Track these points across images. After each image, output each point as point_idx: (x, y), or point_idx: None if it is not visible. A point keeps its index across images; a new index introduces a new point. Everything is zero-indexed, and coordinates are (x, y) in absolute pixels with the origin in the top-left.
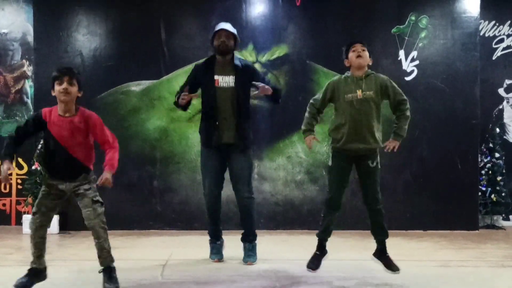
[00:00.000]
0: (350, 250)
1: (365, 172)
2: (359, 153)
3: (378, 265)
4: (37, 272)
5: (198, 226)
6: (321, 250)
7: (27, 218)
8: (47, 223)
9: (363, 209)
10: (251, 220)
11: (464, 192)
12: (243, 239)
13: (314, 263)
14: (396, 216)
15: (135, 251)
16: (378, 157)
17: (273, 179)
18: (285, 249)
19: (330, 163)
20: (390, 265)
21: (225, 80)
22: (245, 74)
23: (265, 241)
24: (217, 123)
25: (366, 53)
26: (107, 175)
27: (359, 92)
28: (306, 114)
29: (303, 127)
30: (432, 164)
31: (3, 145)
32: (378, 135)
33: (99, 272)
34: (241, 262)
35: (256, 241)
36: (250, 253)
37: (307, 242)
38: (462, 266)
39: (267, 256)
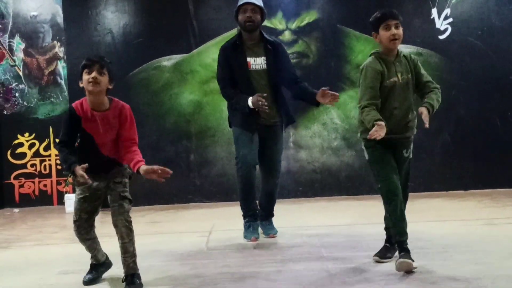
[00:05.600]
0: None
1: (397, 163)
2: (396, 142)
3: (425, 229)
4: (100, 265)
5: (237, 197)
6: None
7: (68, 198)
8: (90, 226)
9: None
10: (274, 203)
11: (504, 150)
12: (262, 218)
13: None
14: (436, 178)
15: (177, 224)
16: (412, 146)
17: (309, 147)
18: (326, 216)
19: (367, 156)
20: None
21: (257, 62)
22: (275, 54)
23: (305, 209)
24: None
25: (401, 31)
26: (146, 169)
27: (399, 76)
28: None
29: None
30: (471, 124)
31: (38, 128)
32: (415, 122)
33: (122, 281)
34: (283, 231)
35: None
36: (270, 226)
37: (347, 207)
38: (509, 223)
39: (310, 223)
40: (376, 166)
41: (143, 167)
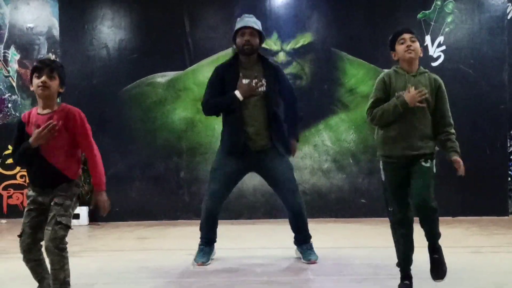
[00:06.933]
0: (379, 237)
1: (415, 171)
2: (413, 159)
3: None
4: None
5: (225, 216)
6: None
7: None
8: (35, 245)
9: None
10: (305, 223)
11: (493, 178)
12: (299, 243)
13: None
14: None
15: (165, 241)
16: (435, 161)
17: (300, 168)
18: (314, 238)
19: (383, 177)
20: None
21: None
22: (273, 76)
23: None
24: (247, 130)
25: (417, 44)
26: (98, 197)
27: (411, 90)
28: (379, 111)
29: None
30: (461, 150)
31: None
32: (431, 141)
33: None
34: (270, 252)
35: (312, 240)
36: (310, 251)
37: (335, 230)
38: (494, 252)
39: None
40: (389, 192)
41: (96, 197)
